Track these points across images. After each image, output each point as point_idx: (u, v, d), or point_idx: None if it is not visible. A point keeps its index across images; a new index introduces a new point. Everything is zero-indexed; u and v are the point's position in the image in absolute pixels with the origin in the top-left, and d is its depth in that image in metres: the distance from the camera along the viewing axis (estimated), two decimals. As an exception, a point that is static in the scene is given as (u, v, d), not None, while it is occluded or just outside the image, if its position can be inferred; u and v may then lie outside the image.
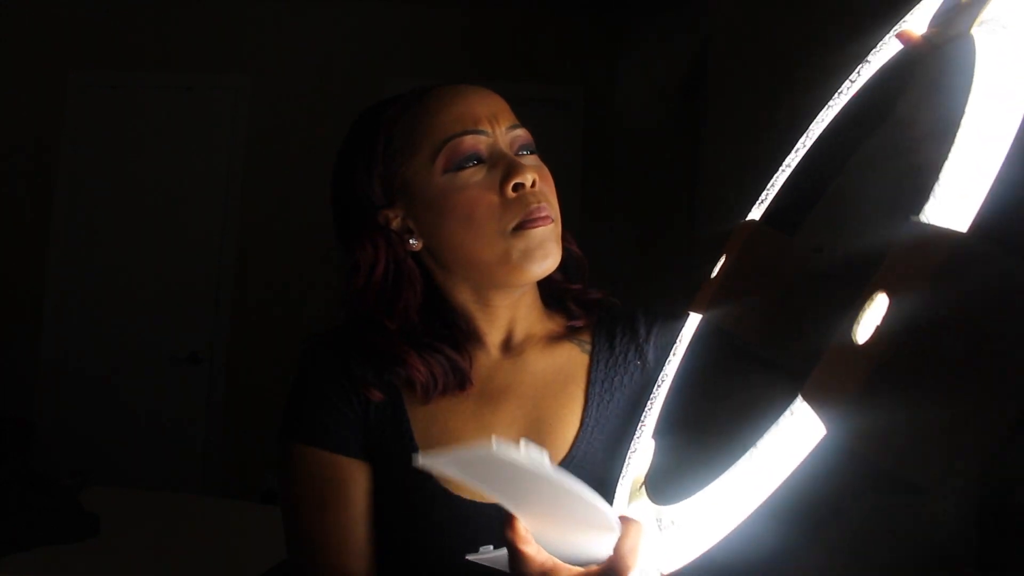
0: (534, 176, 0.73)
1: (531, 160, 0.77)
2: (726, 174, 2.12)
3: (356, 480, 0.76)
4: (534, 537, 0.51)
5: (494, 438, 0.44)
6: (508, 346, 0.81)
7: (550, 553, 0.51)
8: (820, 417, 0.30)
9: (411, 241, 0.77)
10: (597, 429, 0.77)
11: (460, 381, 0.77)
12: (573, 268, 0.85)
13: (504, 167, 0.73)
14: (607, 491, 0.74)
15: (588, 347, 0.82)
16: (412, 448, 0.76)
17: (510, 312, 0.80)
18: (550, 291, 0.84)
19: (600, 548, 0.49)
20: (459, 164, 0.73)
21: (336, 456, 0.76)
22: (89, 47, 3.47)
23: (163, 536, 1.84)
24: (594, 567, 0.48)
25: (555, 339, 0.83)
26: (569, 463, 0.75)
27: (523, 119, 0.79)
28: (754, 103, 1.94)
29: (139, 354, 3.36)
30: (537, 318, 0.83)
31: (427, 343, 0.77)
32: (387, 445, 0.76)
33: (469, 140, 0.73)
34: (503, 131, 0.75)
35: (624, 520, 0.48)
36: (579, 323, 0.83)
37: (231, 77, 3.48)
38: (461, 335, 0.80)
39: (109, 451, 3.24)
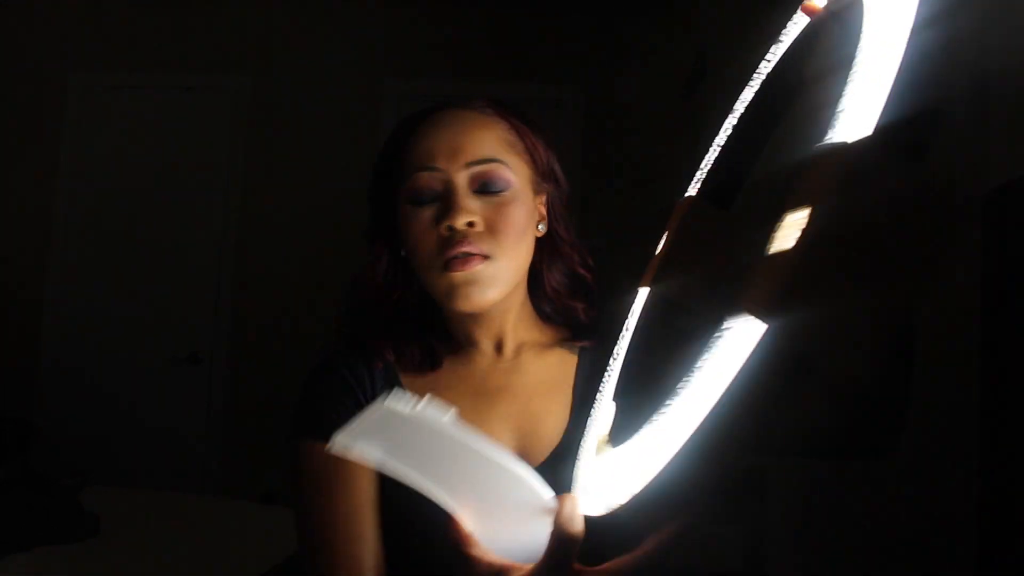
0: (470, 218, 0.76)
1: (491, 199, 0.78)
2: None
3: (360, 471, 0.78)
4: (478, 536, 0.51)
5: (390, 394, 0.44)
6: (501, 351, 0.84)
7: (495, 551, 0.51)
8: (760, 319, 0.33)
9: (402, 251, 0.82)
10: (585, 423, 0.78)
11: (432, 364, 0.83)
12: (576, 285, 0.87)
13: (444, 206, 0.76)
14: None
15: (577, 348, 0.85)
16: None
17: (497, 322, 0.83)
18: (552, 305, 0.86)
19: (543, 535, 0.48)
20: (414, 199, 0.78)
21: None
22: (89, 47, 3.47)
23: (163, 536, 1.84)
24: (544, 556, 0.48)
25: (548, 346, 0.85)
26: (557, 457, 0.77)
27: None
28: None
29: (139, 354, 3.37)
30: (528, 328, 0.85)
31: (411, 329, 0.84)
32: None
33: (424, 177, 0.77)
34: (460, 167, 0.77)
35: (559, 497, 0.48)
36: (585, 343, 0.85)
37: (231, 78, 3.48)
38: (454, 337, 0.85)
39: (109, 451, 3.24)
